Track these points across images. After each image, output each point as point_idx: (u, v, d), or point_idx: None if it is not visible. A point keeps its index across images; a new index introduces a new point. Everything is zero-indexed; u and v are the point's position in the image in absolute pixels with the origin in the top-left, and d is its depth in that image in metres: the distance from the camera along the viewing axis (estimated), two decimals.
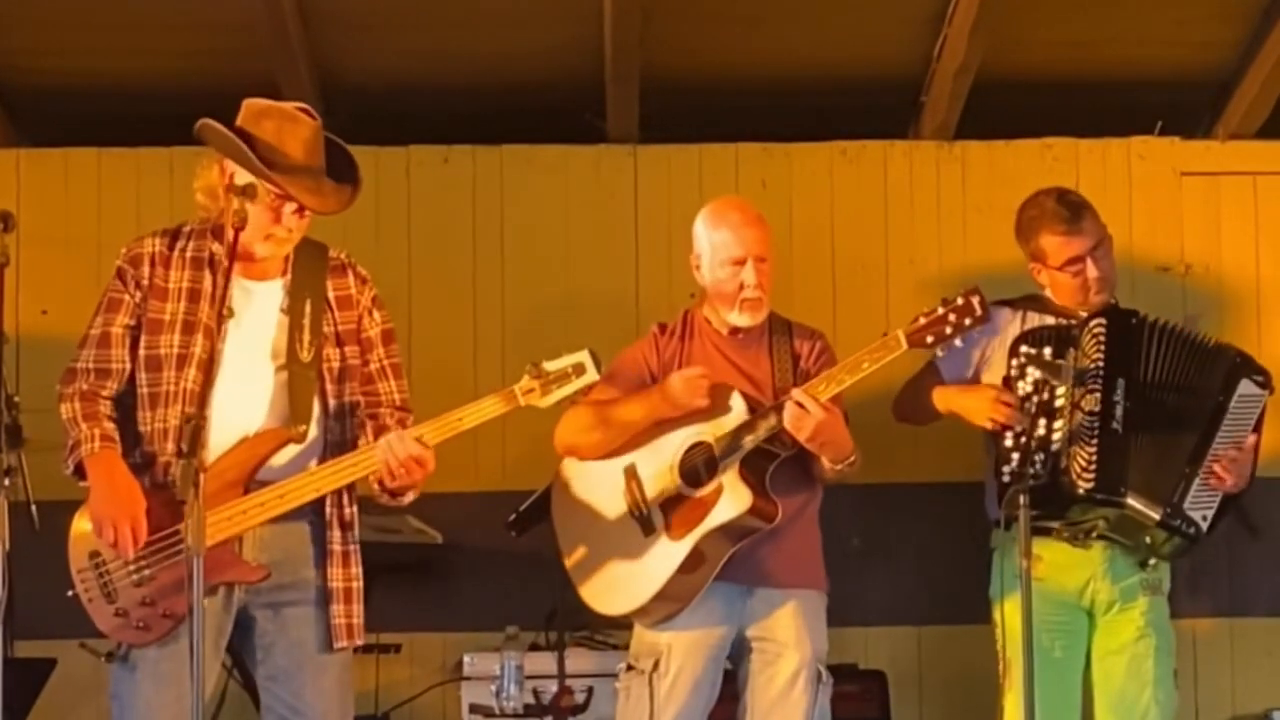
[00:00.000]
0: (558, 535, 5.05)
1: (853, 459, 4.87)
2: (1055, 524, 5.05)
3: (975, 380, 5.28)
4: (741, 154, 6.44)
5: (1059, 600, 5.12)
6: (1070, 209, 5.25)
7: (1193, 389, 5.09)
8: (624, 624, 5.13)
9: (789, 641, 4.87)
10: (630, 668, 4.94)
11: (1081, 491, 4.99)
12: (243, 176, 4.46)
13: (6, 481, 4.22)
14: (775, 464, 4.85)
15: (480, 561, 6.05)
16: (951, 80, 6.18)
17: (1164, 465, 5.05)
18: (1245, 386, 5.10)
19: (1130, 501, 5.00)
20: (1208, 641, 6.22)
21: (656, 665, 4.86)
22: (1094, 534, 5.09)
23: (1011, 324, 5.26)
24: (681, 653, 4.87)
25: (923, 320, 4.79)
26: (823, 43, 6.19)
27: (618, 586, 4.91)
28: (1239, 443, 5.09)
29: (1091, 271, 5.21)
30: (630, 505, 4.92)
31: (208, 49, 6.05)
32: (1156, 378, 5.08)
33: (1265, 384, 5.14)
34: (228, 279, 4.36)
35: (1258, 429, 5.15)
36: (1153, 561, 5.17)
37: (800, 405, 4.73)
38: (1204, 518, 5.06)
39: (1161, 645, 5.16)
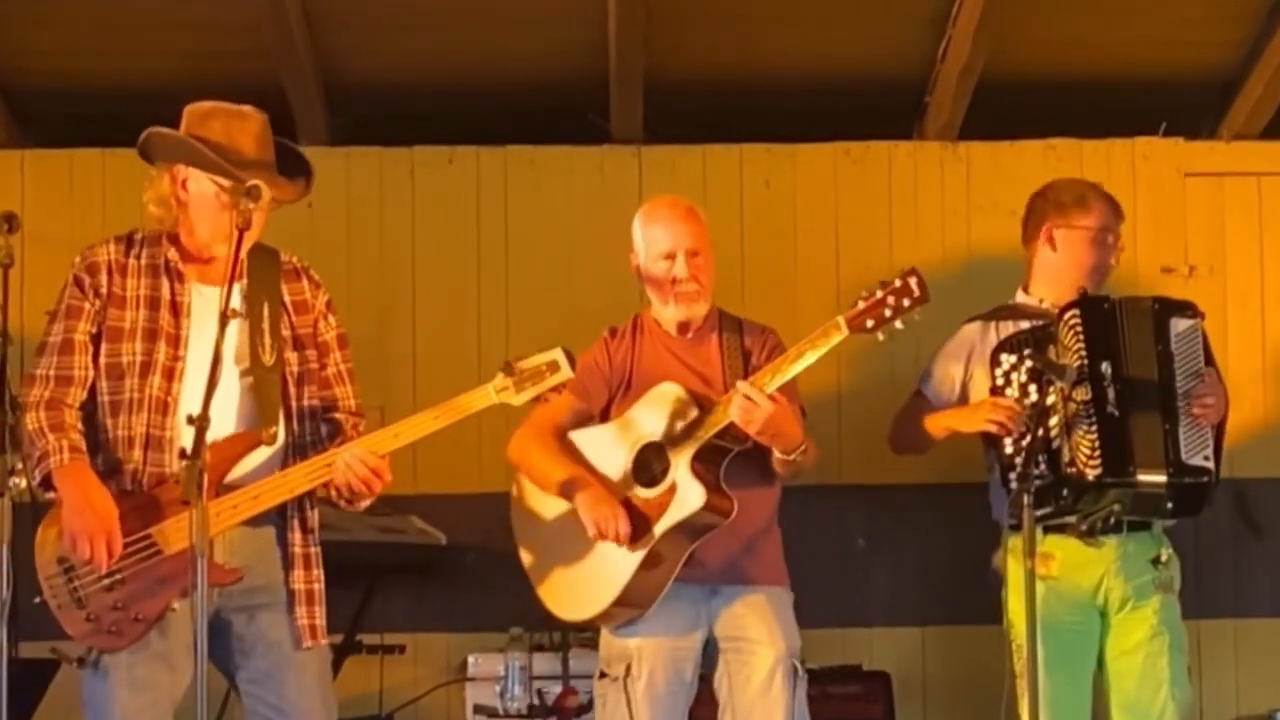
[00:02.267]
0: (517, 541, 5.05)
1: (804, 448, 4.85)
2: (1071, 519, 5.05)
3: (964, 401, 5.29)
4: (745, 154, 6.44)
5: (1073, 600, 5.12)
6: (1116, 202, 5.35)
7: (1149, 350, 5.10)
8: None
9: (760, 638, 4.87)
10: (603, 675, 4.94)
11: (1091, 479, 4.99)
12: (197, 182, 4.48)
13: (10, 482, 4.21)
14: (728, 459, 4.85)
15: (484, 562, 6.04)
16: (955, 81, 6.18)
17: (1147, 431, 5.04)
18: (1175, 325, 5.11)
19: (1140, 478, 5.00)
20: (1212, 642, 6.22)
21: (629, 670, 4.86)
22: (1112, 519, 5.08)
23: (987, 337, 5.26)
24: (651, 655, 4.86)
25: (861, 304, 4.77)
26: (826, 43, 6.20)
27: (578, 592, 4.91)
28: (1199, 376, 5.09)
29: (1110, 258, 5.25)
30: None
31: (213, 50, 6.06)
32: (1138, 354, 5.08)
33: (1194, 314, 5.16)
34: (230, 281, 4.36)
35: (1209, 359, 5.16)
36: (1164, 558, 5.18)
37: (747, 398, 4.73)
38: (1206, 458, 5.06)
39: (1175, 643, 5.16)
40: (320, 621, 4.56)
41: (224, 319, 4.28)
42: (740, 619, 4.89)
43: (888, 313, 4.74)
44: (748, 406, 4.72)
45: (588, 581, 4.89)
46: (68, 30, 6.03)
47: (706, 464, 4.82)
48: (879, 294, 4.75)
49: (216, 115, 4.54)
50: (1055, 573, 5.05)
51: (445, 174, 6.43)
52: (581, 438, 5.03)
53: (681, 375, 4.96)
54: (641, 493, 4.87)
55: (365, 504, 4.58)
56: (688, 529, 4.82)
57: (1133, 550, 5.16)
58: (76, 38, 6.08)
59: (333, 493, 4.54)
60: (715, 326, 5.06)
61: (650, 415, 4.91)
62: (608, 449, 4.96)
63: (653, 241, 5.01)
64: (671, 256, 4.97)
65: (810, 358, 4.77)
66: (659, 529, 4.80)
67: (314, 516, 4.59)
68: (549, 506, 4.98)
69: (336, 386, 4.67)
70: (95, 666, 4.43)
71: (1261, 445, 6.29)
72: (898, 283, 4.75)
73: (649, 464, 4.88)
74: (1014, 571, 5.02)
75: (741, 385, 4.75)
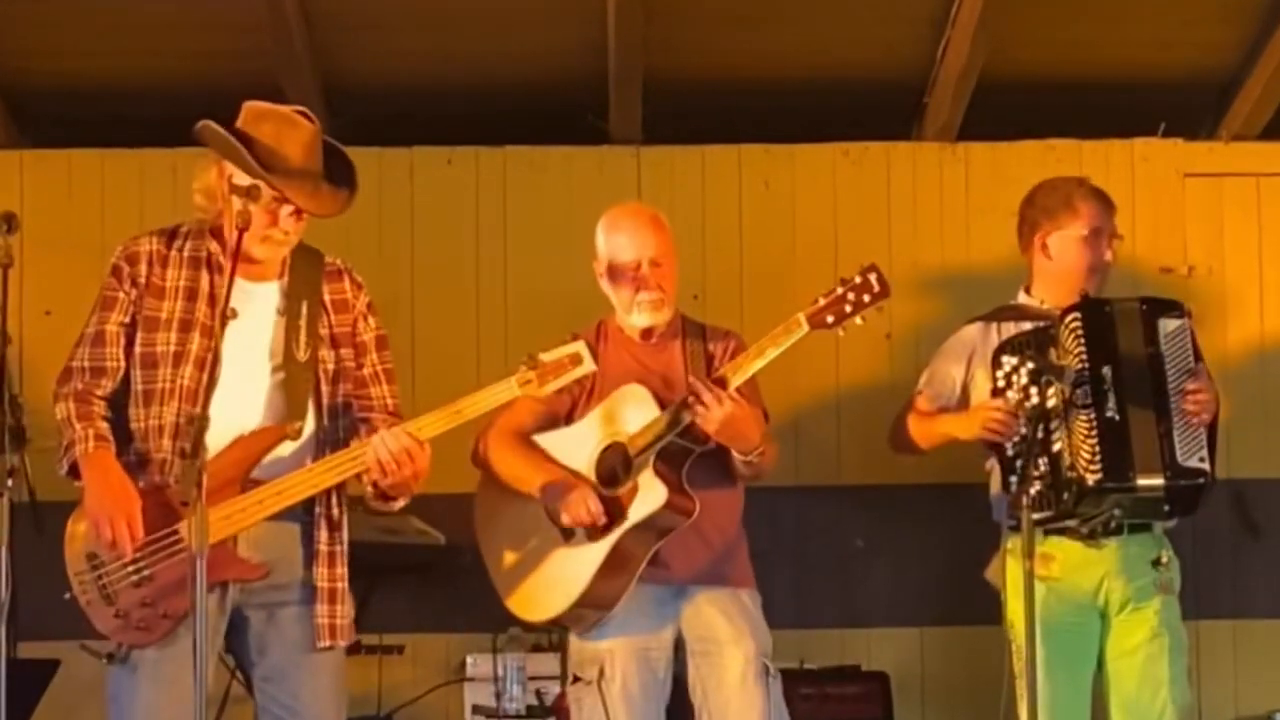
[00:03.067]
0: (479, 542, 5.05)
1: (762, 449, 4.86)
2: (1071, 522, 5.05)
3: (964, 402, 5.29)
4: (744, 155, 6.45)
5: (1073, 601, 5.12)
6: (1105, 195, 5.33)
7: (1138, 353, 5.09)
8: None
9: (727, 639, 4.87)
10: (577, 679, 4.93)
11: (1091, 484, 4.99)
12: (242, 178, 4.47)
13: (10, 482, 4.21)
14: (691, 459, 4.85)
15: (482, 563, 6.04)
16: (954, 81, 6.18)
17: (1145, 435, 5.04)
18: (1164, 325, 5.10)
19: (1139, 482, 5.00)
20: (1211, 643, 6.22)
21: (602, 672, 4.86)
22: (1111, 524, 5.08)
23: (988, 338, 5.26)
24: (623, 657, 4.86)
25: (822, 301, 4.78)
26: (825, 44, 6.20)
27: (541, 592, 4.90)
28: (1191, 374, 5.09)
29: (1107, 255, 5.25)
30: (548, 509, 4.92)
31: (211, 50, 6.06)
32: (1130, 357, 5.09)
33: (1181, 313, 5.15)
34: (230, 279, 4.36)
35: (1198, 357, 5.15)
36: (1164, 560, 5.18)
37: (706, 395, 4.73)
38: (1202, 459, 5.05)
39: (1175, 645, 5.16)
40: (340, 621, 4.55)
41: (223, 319, 4.28)
42: (708, 620, 4.90)
43: (848, 308, 4.76)
44: (708, 403, 4.74)
45: (550, 581, 4.88)
46: (67, 31, 6.03)
47: (669, 465, 4.82)
48: (839, 290, 4.78)
49: (269, 118, 4.54)
50: (1056, 574, 5.04)
51: (444, 174, 6.43)
52: (546, 440, 5.02)
53: (645, 380, 4.96)
54: (604, 492, 4.86)
55: (402, 502, 4.58)
56: (651, 528, 4.82)
57: (1133, 552, 5.16)
58: (75, 38, 6.07)
59: (368, 488, 4.53)
60: (678, 332, 5.07)
61: (614, 417, 4.91)
62: (572, 450, 4.95)
63: (617, 249, 5.02)
64: (636, 265, 4.98)
65: (771, 354, 4.78)
66: (620, 529, 4.80)
67: (342, 514, 4.59)
68: (514, 506, 4.98)
69: (373, 386, 4.66)
70: (124, 662, 4.44)
71: (1260, 445, 6.29)
72: (858, 279, 4.77)
73: (612, 465, 4.88)
74: (1014, 572, 5.03)
75: (699, 383, 4.76)
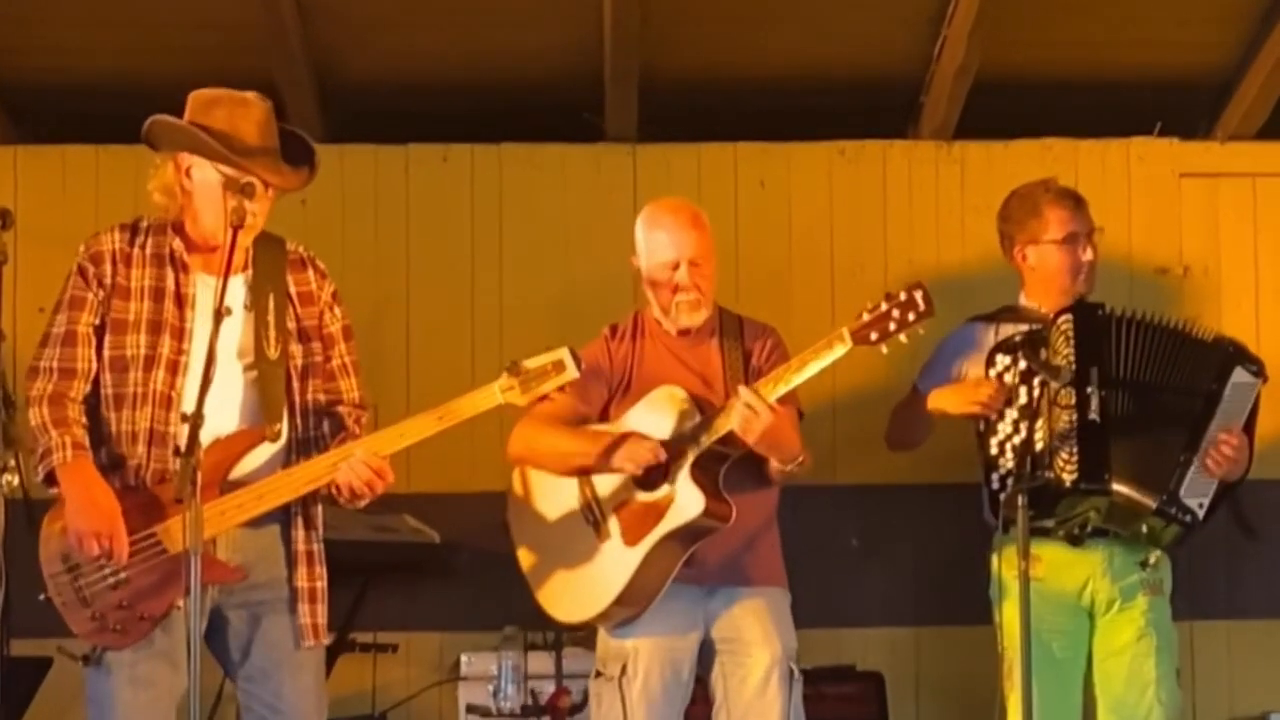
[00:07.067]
0: (513, 540, 5.02)
1: (801, 459, 4.84)
2: (1049, 523, 5.05)
3: None
4: (740, 153, 6.44)
5: (1059, 601, 5.12)
6: (1071, 194, 5.32)
7: (1182, 377, 5.09)
8: None
9: (756, 640, 4.87)
10: (599, 674, 4.93)
11: (1067, 484, 5.00)
12: (201, 170, 4.45)
13: (3, 479, 4.20)
14: (727, 465, 4.83)
15: (477, 561, 6.03)
16: (951, 81, 6.18)
17: (1158, 454, 5.05)
18: (1239, 375, 5.10)
19: (1118, 489, 5.00)
20: (1205, 644, 6.22)
21: (624, 670, 4.85)
22: (1088, 528, 5.09)
23: (986, 337, 5.26)
24: (647, 656, 4.86)
25: (866, 317, 4.74)
26: (822, 43, 6.19)
27: (574, 593, 4.90)
28: (1234, 430, 5.09)
29: (1086, 255, 5.23)
30: (584, 510, 4.90)
31: (206, 47, 6.05)
32: (1132, 366, 5.08)
33: (1259, 372, 5.15)
34: (226, 278, 4.34)
35: (1252, 417, 5.15)
36: (1153, 561, 5.18)
37: (748, 406, 4.70)
38: (1200, 505, 5.06)
39: (1163, 645, 5.16)
40: (321, 620, 4.56)
41: (218, 316, 4.27)
42: (737, 620, 4.89)
43: (892, 326, 4.72)
44: (748, 415, 4.70)
45: (584, 583, 4.88)
46: (61, 26, 6.02)
47: (706, 470, 4.80)
48: (884, 307, 4.73)
49: (220, 103, 4.52)
50: (1041, 574, 5.04)
51: (440, 171, 6.43)
52: None
53: (682, 377, 4.95)
54: (641, 496, 4.85)
55: (364, 503, 4.57)
56: (686, 534, 4.80)
57: (1120, 552, 5.17)
58: (70, 34, 6.07)
59: (334, 491, 4.53)
60: (715, 327, 5.04)
61: (651, 418, 4.90)
62: None
63: (656, 248, 4.98)
64: (674, 265, 4.95)
65: (813, 368, 4.76)
66: (656, 534, 4.79)
67: (318, 513, 4.58)
68: (549, 508, 4.97)
69: (340, 379, 4.65)
70: (99, 664, 4.42)
71: (1255, 446, 6.28)
72: (903, 296, 4.73)
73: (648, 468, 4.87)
74: (997, 573, 5.04)
75: (743, 392, 4.73)
